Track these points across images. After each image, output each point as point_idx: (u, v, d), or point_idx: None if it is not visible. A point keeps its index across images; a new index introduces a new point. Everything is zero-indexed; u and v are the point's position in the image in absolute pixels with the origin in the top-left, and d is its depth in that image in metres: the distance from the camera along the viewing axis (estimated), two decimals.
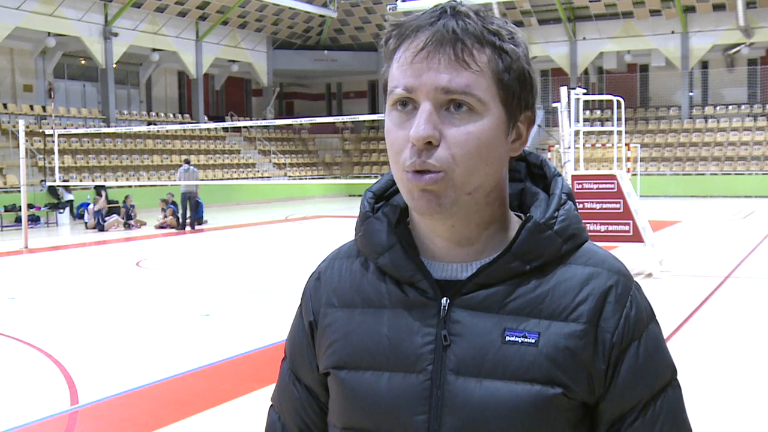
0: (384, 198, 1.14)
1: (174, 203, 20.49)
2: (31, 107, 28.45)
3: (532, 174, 1.15)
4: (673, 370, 1.08)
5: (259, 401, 5.32)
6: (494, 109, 1.00)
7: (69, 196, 23.30)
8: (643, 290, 1.09)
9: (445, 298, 1.04)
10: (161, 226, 20.30)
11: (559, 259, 1.05)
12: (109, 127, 28.24)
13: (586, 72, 36.49)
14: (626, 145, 18.21)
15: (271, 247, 16.12)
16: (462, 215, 1.03)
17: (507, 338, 1.01)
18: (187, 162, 20.33)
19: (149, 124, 31.33)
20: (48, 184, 22.38)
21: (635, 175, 25.00)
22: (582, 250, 1.07)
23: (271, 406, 1.26)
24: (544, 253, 1.04)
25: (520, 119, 1.04)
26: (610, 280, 1.04)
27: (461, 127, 0.98)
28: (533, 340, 1.01)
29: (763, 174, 30.38)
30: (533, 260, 1.04)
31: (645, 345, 1.04)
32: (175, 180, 22.30)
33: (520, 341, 1.01)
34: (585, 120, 22.34)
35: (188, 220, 19.87)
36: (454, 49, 0.97)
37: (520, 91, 1.02)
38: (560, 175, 1.11)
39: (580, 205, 10.60)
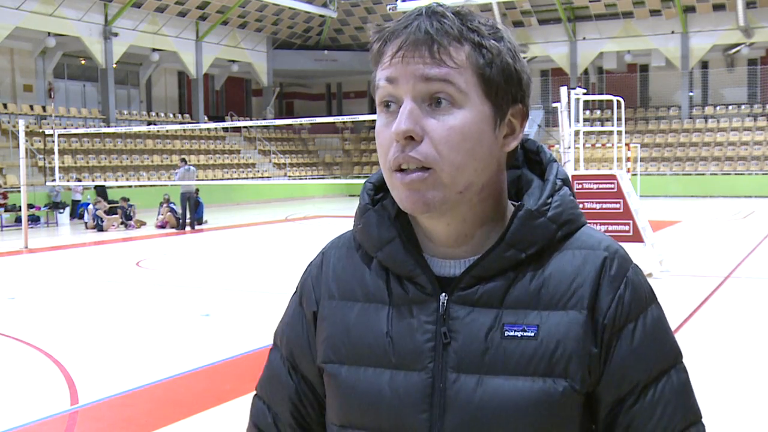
0: (384, 189, 1.13)
1: (172, 203, 20.48)
2: (31, 107, 28.46)
3: (529, 160, 1.14)
4: (678, 354, 1.06)
5: None
6: (477, 102, 0.99)
7: (77, 196, 23.29)
8: (642, 272, 1.07)
9: (443, 294, 1.04)
10: (161, 226, 20.28)
11: (555, 246, 1.04)
12: (109, 127, 28.24)
13: (586, 72, 36.49)
14: (626, 145, 18.20)
15: (271, 247, 16.12)
16: (455, 213, 1.02)
17: (506, 333, 1.01)
18: (184, 161, 20.34)
19: (149, 124, 31.34)
20: (49, 183, 22.33)
21: (635, 175, 24.99)
22: (577, 235, 1.06)
23: (256, 395, 1.23)
24: (537, 240, 1.03)
25: (511, 113, 1.04)
26: (603, 261, 1.03)
27: (443, 122, 0.98)
28: (532, 333, 1.00)
29: (763, 174, 30.38)
30: (527, 248, 1.03)
31: (642, 327, 1.03)
32: (174, 180, 22.26)
33: (519, 335, 1.01)
34: (585, 120, 22.33)
35: (188, 220, 19.86)
36: (430, 49, 0.97)
37: (505, 85, 1.01)
38: (556, 161, 1.10)
39: (580, 205, 10.57)
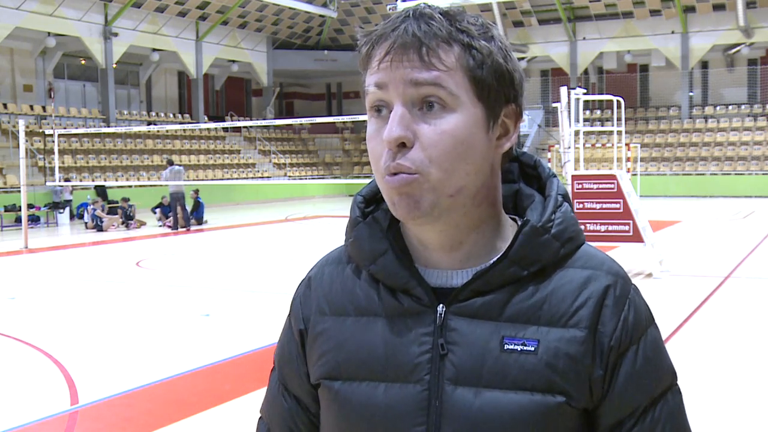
0: (375, 201, 1.11)
1: (167, 206, 20.43)
2: (31, 107, 28.46)
3: (525, 175, 1.12)
4: (673, 375, 1.06)
5: (259, 401, 5.31)
6: (468, 104, 0.97)
7: (68, 197, 23.27)
8: (641, 293, 1.07)
9: (441, 306, 1.02)
10: (169, 225, 20.20)
11: (557, 263, 1.03)
12: (109, 127, 28.25)
13: (586, 72, 36.49)
14: (626, 145, 18.22)
15: (271, 247, 16.12)
16: (448, 219, 1.00)
17: (506, 346, 0.99)
18: (171, 163, 20.27)
19: (149, 124, 31.34)
20: (49, 184, 22.35)
21: (635, 175, 24.99)
22: (579, 253, 1.05)
23: (260, 417, 1.23)
24: (541, 258, 1.01)
25: (504, 114, 1.01)
26: (608, 282, 1.02)
27: (434, 126, 0.96)
28: (533, 348, 0.99)
29: (763, 174, 30.39)
30: (531, 265, 1.01)
31: (643, 349, 1.02)
32: (161, 181, 22.19)
33: (519, 349, 0.99)
34: (585, 120, 22.34)
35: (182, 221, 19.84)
36: (419, 52, 0.95)
37: (497, 86, 0.99)
38: (555, 176, 1.09)
39: (580, 205, 10.59)
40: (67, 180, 22.97)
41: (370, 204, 1.11)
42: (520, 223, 1.05)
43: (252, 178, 32.06)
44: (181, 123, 33.49)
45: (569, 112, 10.95)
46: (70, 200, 23.24)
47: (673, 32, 34.28)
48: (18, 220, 20.44)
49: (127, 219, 20.78)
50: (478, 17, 1.01)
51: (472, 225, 1.03)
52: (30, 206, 19.77)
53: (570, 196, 1.09)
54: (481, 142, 0.99)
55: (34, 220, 21.35)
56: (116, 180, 26.50)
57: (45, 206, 22.38)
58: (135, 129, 27.54)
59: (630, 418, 1.01)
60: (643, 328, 1.03)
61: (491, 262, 1.02)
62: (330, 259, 1.15)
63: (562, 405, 0.98)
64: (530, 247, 1.01)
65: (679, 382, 1.08)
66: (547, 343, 0.99)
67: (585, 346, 0.99)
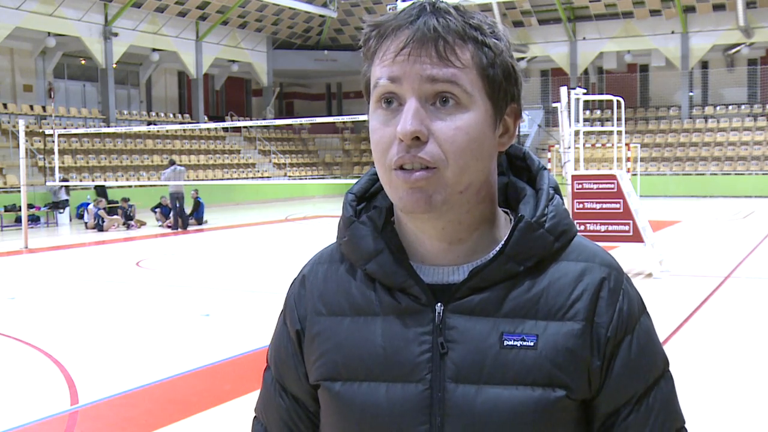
0: (365, 199, 1.11)
1: (166, 206, 20.41)
2: (31, 107, 28.45)
3: (514, 167, 1.13)
4: (665, 362, 1.07)
5: None
6: (480, 102, 0.98)
7: (64, 196, 23.21)
8: (633, 282, 1.08)
9: (439, 304, 1.02)
10: (168, 225, 20.17)
11: (552, 257, 1.04)
12: (109, 127, 28.24)
13: (586, 72, 36.48)
14: (626, 145, 18.20)
15: (271, 247, 16.11)
16: (453, 215, 1.00)
17: (505, 342, 1.00)
18: (173, 162, 20.27)
19: (149, 124, 31.33)
20: (49, 184, 22.31)
21: (635, 175, 24.98)
22: (572, 246, 1.06)
23: (255, 417, 1.22)
24: (537, 253, 1.02)
25: (507, 112, 1.03)
26: (602, 274, 1.03)
27: (449, 122, 0.96)
28: (532, 343, 0.99)
29: (763, 174, 30.38)
30: (526, 260, 1.02)
31: (638, 338, 1.03)
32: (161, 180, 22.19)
33: (518, 345, 1.00)
34: (585, 120, 22.33)
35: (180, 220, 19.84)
36: (436, 46, 0.95)
37: (506, 85, 1.01)
38: (545, 168, 1.09)
39: (580, 205, 10.60)
40: (65, 180, 22.95)
41: (361, 202, 1.11)
42: (512, 216, 1.06)
43: (252, 178, 32.06)
44: (181, 123, 33.48)
45: (569, 112, 10.95)
46: (67, 200, 23.19)
47: (673, 32, 34.28)
48: (18, 220, 20.43)
49: (127, 219, 20.78)
50: (486, 15, 1.02)
51: (473, 222, 1.03)
52: (30, 206, 19.77)
53: (560, 188, 1.09)
54: (489, 140, 1.00)
55: (34, 220, 21.34)
56: (116, 180, 26.50)
57: (45, 206, 22.37)
58: (135, 129, 27.54)
59: (626, 406, 1.03)
60: (636, 318, 1.05)
61: (487, 258, 1.03)
62: (323, 257, 1.14)
63: (562, 399, 0.99)
64: (525, 243, 1.02)
65: (670, 369, 1.09)
66: (546, 337, 1.00)
67: (582, 338, 1.00)
